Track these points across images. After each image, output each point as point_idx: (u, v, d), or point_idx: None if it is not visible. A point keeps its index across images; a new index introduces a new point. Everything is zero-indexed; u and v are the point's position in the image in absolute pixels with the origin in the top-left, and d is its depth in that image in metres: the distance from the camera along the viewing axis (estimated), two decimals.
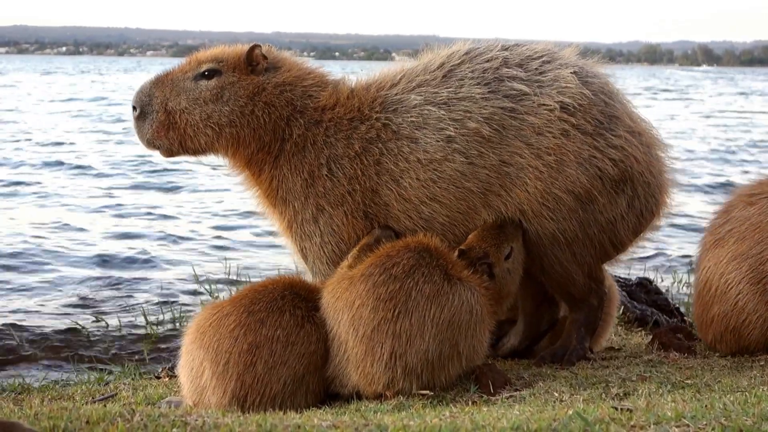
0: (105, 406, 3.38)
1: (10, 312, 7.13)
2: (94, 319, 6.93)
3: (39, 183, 14.77)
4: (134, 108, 4.23)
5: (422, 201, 4.09)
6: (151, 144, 4.23)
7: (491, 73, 4.13)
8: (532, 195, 4.05)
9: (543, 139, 4.05)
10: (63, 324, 6.81)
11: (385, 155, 4.11)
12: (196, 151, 4.24)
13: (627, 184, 4.14)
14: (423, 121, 4.10)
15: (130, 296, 7.86)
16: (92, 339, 6.40)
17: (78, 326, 6.63)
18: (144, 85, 4.25)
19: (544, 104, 4.07)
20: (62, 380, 5.20)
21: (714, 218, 4.73)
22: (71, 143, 20.86)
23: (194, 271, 8.41)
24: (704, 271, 4.58)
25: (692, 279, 8.04)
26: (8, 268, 8.89)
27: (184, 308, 7.14)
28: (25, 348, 6.16)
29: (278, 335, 3.62)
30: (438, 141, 4.07)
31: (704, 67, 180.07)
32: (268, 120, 4.17)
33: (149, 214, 12.29)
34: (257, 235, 10.84)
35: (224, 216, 12.37)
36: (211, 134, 4.16)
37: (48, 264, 9.14)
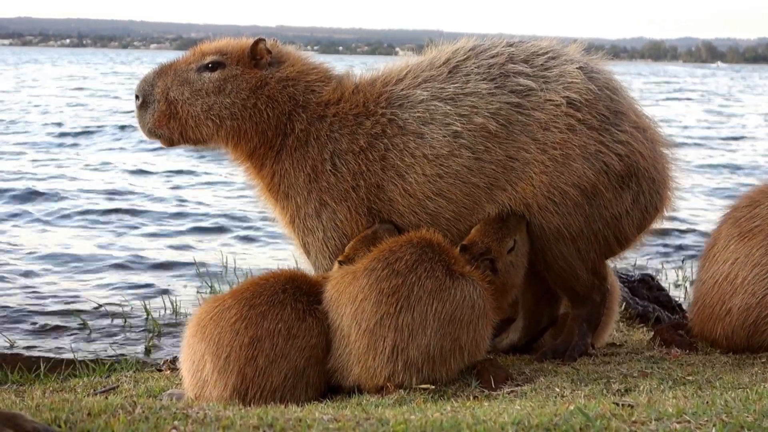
0: (106, 398, 3.38)
1: (10, 303, 7.15)
2: (95, 311, 6.94)
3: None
4: (137, 97, 4.23)
5: (428, 196, 4.09)
6: (151, 133, 4.23)
7: (497, 69, 4.13)
8: (538, 189, 4.05)
9: (549, 134, 4.04)
10: (64, 316, 6.83)
11: (391, 150, 4.10)
12: (197, 142, 4.25)
13: (632, 179, 4.14)
14: (429, 117, 4.09)
15: (133, 289, 7.87)
16: (94, 331, 6.41)
17: (80, 318, 6.64)
18: (147, 75, 4.25)
19: (550, 99, 4.07)
20: (64, 372, 5.21)
21: (734, 210, 4.67)
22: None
23: (196, 265, 8.42)
24: (728, 263, 4.52)
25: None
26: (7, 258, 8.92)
27: (185, 301, 7.15)
28: (26, 340, 6.17)
29: (279, 328, 3.62)
30: (444, 136, 4.06)
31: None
32: (270, 114, 4.17)
33: (152, 208, 12.30)
34: (257, 229, 10.85)
35: (225, 208, 12.38)
36: (212, 126, 4.16)
37: (50, 253, 9.17)
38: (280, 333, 3.61)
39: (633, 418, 2.79)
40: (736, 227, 4.58)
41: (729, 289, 4.51)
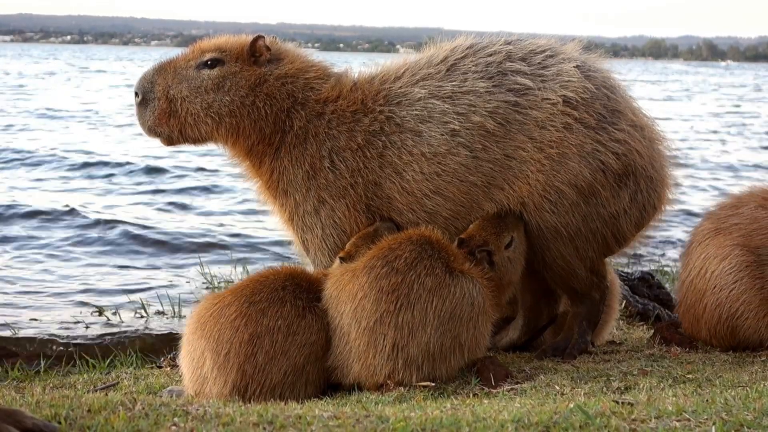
0: (106, 394, 3.39)
1: (11, 300, 7.15)
2: (95, 308, 6.94)
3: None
4: (136, 94, 4.23)
5: (425, 194, 4.09)
6: (152, 131, 4.23)
7: (495, 67, 4.13)
8: (534, 188, 4.05)
9: (546, 132, 4.05)
10: (64, 312, 6.82)
11: (389, 148, 4.11)
12: (196, 140, 4.25)
13: (630, 177, 4.14)
14: (427, 115, 4.09)
15: (132, 285, 7.86)
16: (94, 328, 6.41)
17: (79, 314, 6.64)
18: (147, 72, 4.25)
19: (547, 98, 4.07)
20: (64, 369, 5.21)
21: (717, 208, 4.65)
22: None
23: (201, 262, 8.42)
24: (702, 258, 4.49)
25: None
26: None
27: (185, 298, 7.15)
28: (26, 336, 6.16)
29: (279, 325, 3.62)
30: (442, 134, 4.07)
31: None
32: (269, 111, 4.17)
33: (152, 203, 12.30)
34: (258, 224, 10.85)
35: (225, 204, 12.38)
36: (211, 123, 4.16)
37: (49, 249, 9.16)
38: (279, 330, 3.62)
39: (633, 416, 2.79)
40: (714, 223, 4.55)
41: (702, 286, 4.47)
